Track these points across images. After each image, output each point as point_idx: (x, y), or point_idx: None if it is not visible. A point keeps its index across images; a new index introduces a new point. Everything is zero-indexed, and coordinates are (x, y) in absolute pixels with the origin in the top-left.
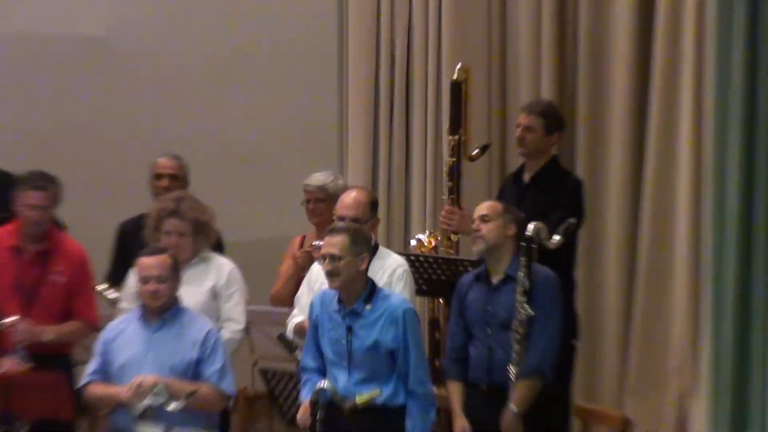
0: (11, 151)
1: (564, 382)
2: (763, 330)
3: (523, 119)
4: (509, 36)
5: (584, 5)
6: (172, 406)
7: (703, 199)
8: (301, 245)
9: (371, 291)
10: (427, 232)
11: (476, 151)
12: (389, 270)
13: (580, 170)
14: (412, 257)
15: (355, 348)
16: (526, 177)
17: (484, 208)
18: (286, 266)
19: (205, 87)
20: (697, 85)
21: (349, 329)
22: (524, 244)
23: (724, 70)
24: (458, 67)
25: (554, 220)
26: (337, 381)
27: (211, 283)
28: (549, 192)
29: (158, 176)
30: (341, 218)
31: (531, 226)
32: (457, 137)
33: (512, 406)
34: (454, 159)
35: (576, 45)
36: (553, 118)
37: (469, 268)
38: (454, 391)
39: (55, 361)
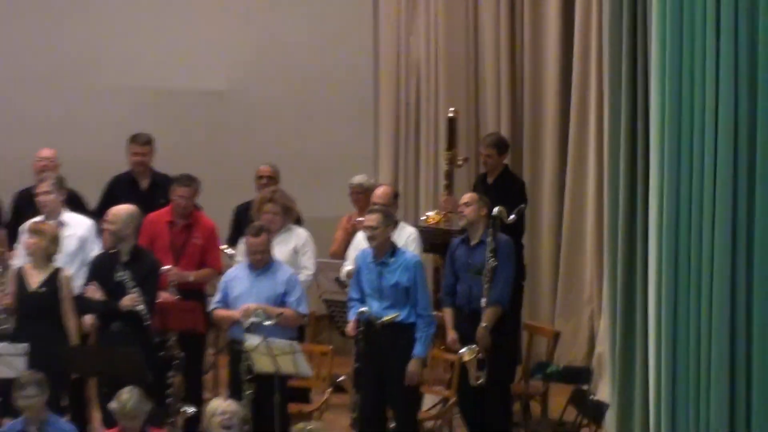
0: None
1: (516, 308)
2: (643, 276)
3: (483, 149)
4: (480, 83)
5: (527, 57)
6: (268, 323)
7: (604, 186)
8: (348, 221)
9: (393, 249)
10: (433, 212)
11: (461, 161)
12: (405, 236)
13: (525, 171)
14: (421, 228)
15: (383, 285)
16: (490, 180)
17: (466, 197)
18: (339, 233)
19: (288, 117)
20: (600, 114)
21: (380, 273)
22: (492, 220)
23: (615, 83)
24: (451, 109)
25: (509, 206)
26: (372, 307)
27: (293, 245)
28: (504, 189)
29: (260, 177)
30: (375, 204)
31: (495, 209)
32: (450, 152)
33: (483, 324)
34: (449, 166)
35: (522, 87)
36: (502, 145)
37: (457, 235)
38: (447, 314)
39: (194, 294)
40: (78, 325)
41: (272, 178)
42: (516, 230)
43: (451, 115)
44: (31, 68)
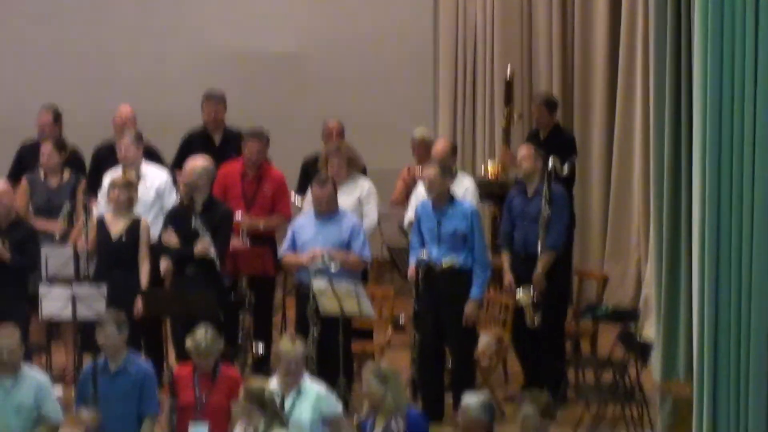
0: None
1: (567, 253)
2: (687, 221)
3: (534, 108)
4: (533, 43)
5: (578, 18)
6: (333, 267)
7: (650, 138)
8: (408, 172)
9: (451, 199)
10: (491, 164)
11: (517, 117)
12: (463, 187)
13: (576, 125)
14: (479, 179)
15: (442, 233)
16: (542, 135)
17: (524, 150)
18: (399, 183)
19: (353, 76)
20: (645, 72)
21: (439, 222)
22: (547, 172)
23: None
24: (509, 68)
25: (560, 160)
26: (432, 252)
27: (357, 195)
28: (555, 144)
29: (327, 132)
30: (434, 157)
31: (550, 161)
32: (507, 109)
33: (539, 269)
34: (505, 122)
35: (573, 47)
36: (552, 104)
37: (513, 186)
38: (505, 258)
39: (264, 240)
40: (150, 270)
41: (338, 133)
42: (567, 181)
43: (508, 73)
44: (114, 32)
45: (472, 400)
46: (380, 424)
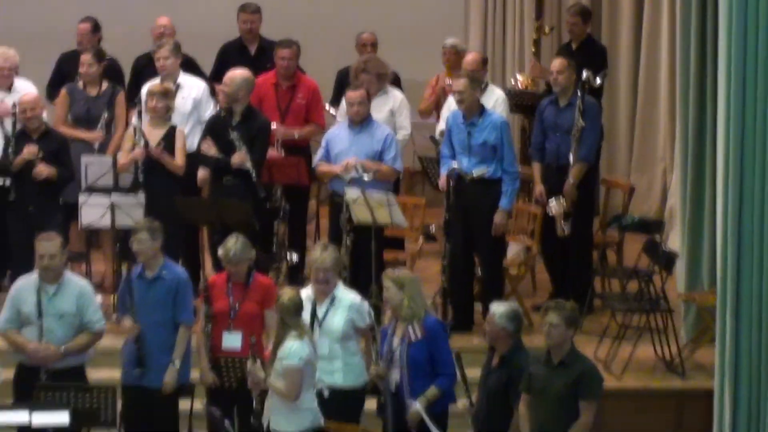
0: None
1: (597, 164)
2: (712, 132)
3: (569, 18)
4: None
5: None
6: (366, 177)
7: (677, 50)
8: (437, 81)
9: (482, 111)
10: (522, 76)
11: (548, 30)
12: (494, 99)
13: (603, 38)
14: (509, 91)
15: (472, 143)
16: (573, 45)
17: (557, 63)
18: (428, 92)
19: None
20: None
21: (469, 133)
22: (581, 84)
23: None
24: None
25: (592, 71)
26: (462, 163)
27: (390, 107)
28: (588, 55)
29: (361, 44)
30: (465, 69)
31: (584, 73)
32: (538, 22)
33: (571, 179)
34: (537, 35)
35: None
36: (587, 14)
37: (544, 98)
38: (536, 169)
39: (299, 149)
40: (187, 179)
41: (372, 45)
42: (599, 93)
43: None
44: None
45: (500, 309)
46: (399, 330)
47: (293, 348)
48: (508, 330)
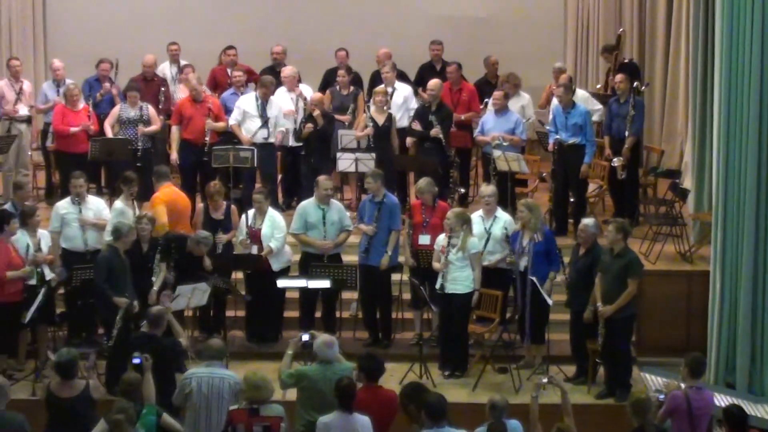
0: None
1: (641, 137)
2: (711, 120)
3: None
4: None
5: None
6: (504, 144)
7: (689, 67)
8: (549, 88)
9: (573, 104)
10: (599, 85)
11: (614, 59)
12: (580, 96)
13: (647, 58)
14: (594, 93)
15: (568, 124)
16: (621, 100)
17: (620, 76)
18: (544, 95)
19: (513, 38)
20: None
21: (566, 118)
22: (634, 90)
23: None
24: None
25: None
26: (562, 135)
27: (521, 103)
28: (633, 71)
29: (493, 64)
30: (561, 82)
31: (635, 83)
32: (614, 53)
33: (627, 145)
34: (610, 58)
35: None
36: (632, 67)
37: (612, 97)
38: (606, 140)
39: (465, 126)
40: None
41: (497, 63)
42: (641, 94)
43: (618, 31)
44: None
45: (588, 221)
46: (527, 237)
47: (474, 241)
48: (594, 234)
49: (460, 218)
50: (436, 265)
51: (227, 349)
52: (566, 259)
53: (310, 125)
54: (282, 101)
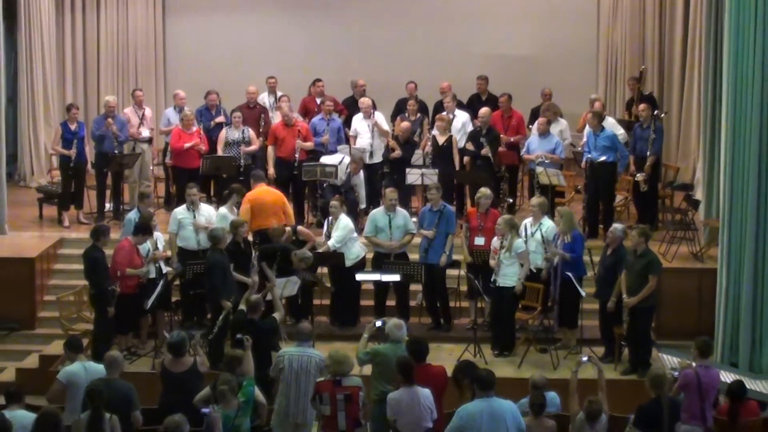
0: None
1: (660, 156)
2: (719, 143)
3: (633, 83)
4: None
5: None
6: (545, 161)
7: (701, 98)
8: (585, 116)
9: (602, 129)
10: (625, 113)
11: (639, 89)
12: (610, 124)
13: (666, 88)
14: (621, 120)
15: (597, 145)
16: (644, 125)
17: (642, 105)
18: (581, 121)
19: (556, 76)
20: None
21: (595, 140)
22: (654, 117)
23: None
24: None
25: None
26: (592, 154)
27: (560, 128)
28: (653, 102)
29: (545, 96)
30: (594, 110)
31: (655, 111)
32: (639, 83)
33: (648, 162)
34: (632, 93)
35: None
36: (650, 99)
37: (636, 123)
38: (631, 159)
39: (514, 147)
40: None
41: (547, 95)
42: (660, 120)
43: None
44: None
45: (618, 226)
46: (561, 238)
47: (520, 243)
48: (621, 237)
49: (508, 224)
50: (491, 262)
51: (314, 331)
52: (596, 258)
53: (398, 151)
54: (359, 126)
